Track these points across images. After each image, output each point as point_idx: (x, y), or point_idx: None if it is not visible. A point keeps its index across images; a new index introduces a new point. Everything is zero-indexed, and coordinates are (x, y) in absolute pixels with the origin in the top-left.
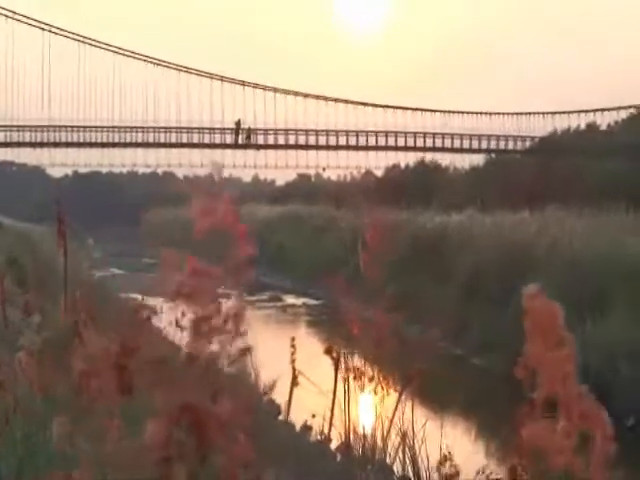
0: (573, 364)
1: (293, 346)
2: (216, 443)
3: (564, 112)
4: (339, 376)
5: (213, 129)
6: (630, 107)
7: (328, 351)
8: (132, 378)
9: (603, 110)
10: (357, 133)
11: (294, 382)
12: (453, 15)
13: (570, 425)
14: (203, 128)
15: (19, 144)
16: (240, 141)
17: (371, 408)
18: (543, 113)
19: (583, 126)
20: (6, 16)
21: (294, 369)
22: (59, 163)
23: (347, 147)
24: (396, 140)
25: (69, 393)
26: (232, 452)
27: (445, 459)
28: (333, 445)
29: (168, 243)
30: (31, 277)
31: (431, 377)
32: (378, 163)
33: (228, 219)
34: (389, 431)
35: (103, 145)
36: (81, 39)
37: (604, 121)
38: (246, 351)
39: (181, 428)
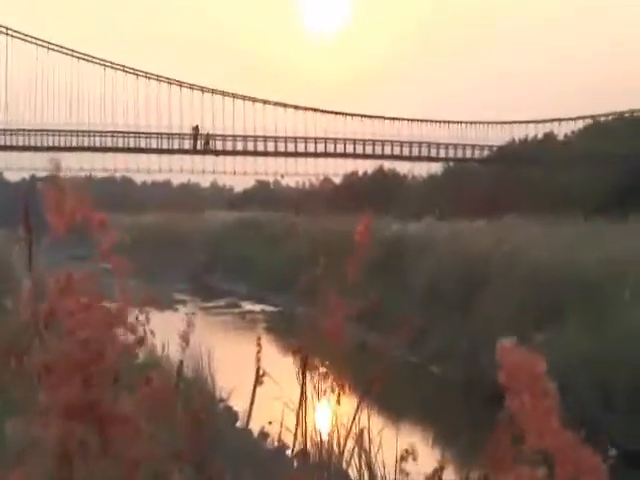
0: (557, 414)
1: (259, 344)
2: (118, 439)
3: (522, 122)
4: (299, 382)
5: (171, 134)
6: (586, 117)
7: (297, 352)
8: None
9: (560, 120)
10: (316, 140)
11: (257, 382)
12: (414, 21)
13: (565, 474)
14: (162, 133)
15: None
16: (198, 147)
17: (329, 414)
18: (501, 122)
19: (540, 136)
20: None
21: (258, 369)
22: (16, 167)
23: (306, 154)
24: (354, 147)
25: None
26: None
27: (407, 454)
28: (290, 452)
29: (124, 249)
30: None
31: (389, 384)
32: (337, 170)
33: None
34: (346, 437)
35: (61, 149)
36: (38, 42)
37: (561, 131)
38: (141, 342)
39: (82, 425)
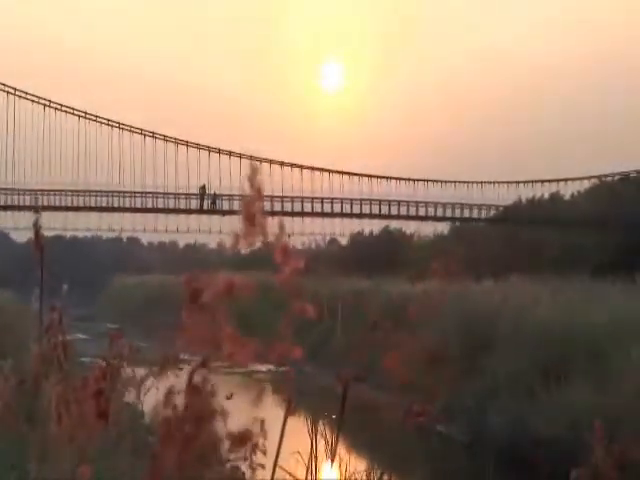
0: None
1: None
2: None
3: (528, 181)
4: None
5: (178, 194)
6: (592, 177)
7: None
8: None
9: (566, 180)
10: (322, 200)
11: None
12: (426, 83)
13: None
14: (168, 193)
15: None
16: (205, 206)
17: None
18: (507, 182)
19: (547, 196)
20: None
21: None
22: (23, 227)
23: (312, 214)
24: (361, 207)
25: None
26: None
27: None
28: None
29: (131, 310)
30: None
31: (393, 444)
32: (343, 230)
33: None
34: None
35: (67, 209)
36: (46, 103)
37: (567, 191)
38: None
39: None
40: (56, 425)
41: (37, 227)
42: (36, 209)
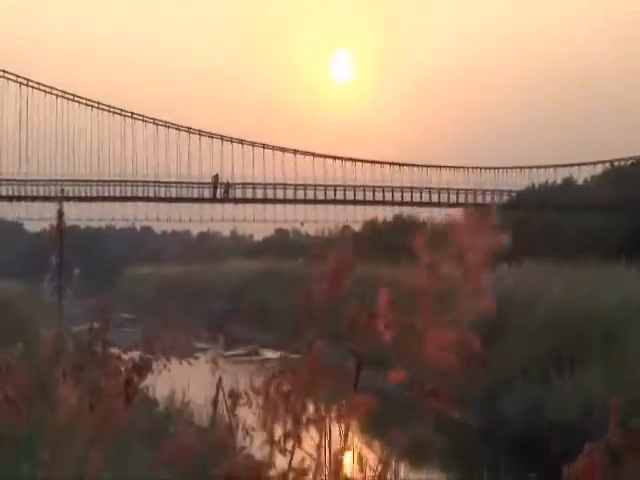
0: None
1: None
2: None
3: (541, 166)
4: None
5: (191, 183)
6: (605, 162)
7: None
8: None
9: (580, 165)
10: (335, 187)
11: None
12: (437, 69)
13: None
14: (181, 182)
15: None
16: (218, 195)
17: (352, 456)
18: (520, 167)
19: (560, 181)
20: None
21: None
22: (37, 218)
23: (325, 201)
24: (374, 194)
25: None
26: None
27: None
28: None
29: (145, 299)
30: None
31: (406, 428)
32: (356, 217)
33: None
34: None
35: (81, 199)
36: (59, 93)
37: (580, 176)
38: None
39: None
40: (82, 411)
41: (60, 216)
42: (60, 199)
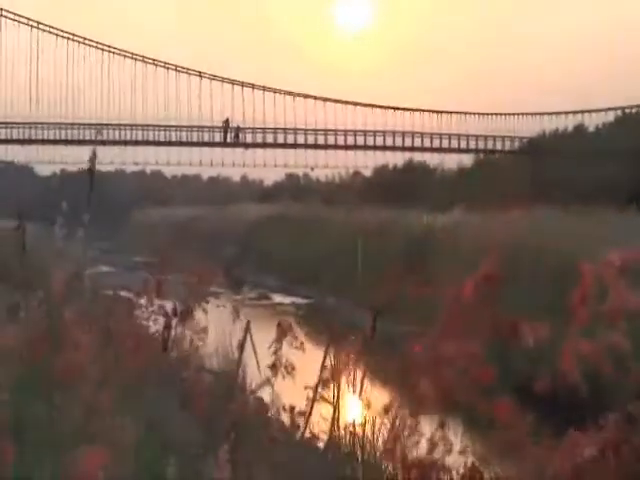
0: None
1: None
2: None
3: (552, 113)
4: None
5: (202, 127)
6: (617, 109)
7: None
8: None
9: (591, 112)
10: (345, 132)
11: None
12: (448, 15)
13: None
14: (192, 126)
15: (6, 141)
16: (229, 140)
17: (361, 405)
18: (532, 114)
19: (571, 128)
20: None
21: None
22: (47, 161)
23: (335, 146)
24: (384, 140)
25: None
26: None
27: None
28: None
29: (156, 242)
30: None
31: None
32: (366, 163)
33: None
34: (380, 427)
35: (91, 142)
36: (69, 36)
37: (592, 123)
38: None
39: None
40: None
41: (93, 160)
42: (95, 142)
